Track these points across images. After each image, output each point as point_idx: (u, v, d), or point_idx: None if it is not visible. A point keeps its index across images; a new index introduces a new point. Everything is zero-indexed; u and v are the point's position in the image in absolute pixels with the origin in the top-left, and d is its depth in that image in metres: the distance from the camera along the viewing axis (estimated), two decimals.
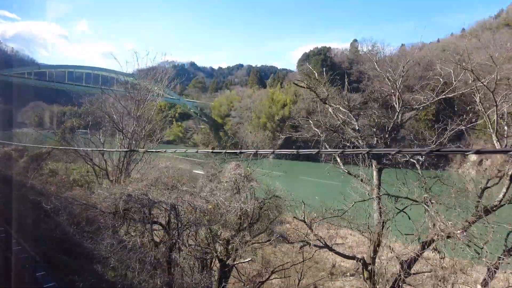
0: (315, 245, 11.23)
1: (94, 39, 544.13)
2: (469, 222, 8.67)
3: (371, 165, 12.53)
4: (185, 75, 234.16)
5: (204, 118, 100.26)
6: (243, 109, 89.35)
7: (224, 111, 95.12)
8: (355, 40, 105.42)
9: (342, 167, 12.96)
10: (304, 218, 11.44)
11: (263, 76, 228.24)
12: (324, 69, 78.65)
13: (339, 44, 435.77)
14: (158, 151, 15.17)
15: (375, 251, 10.51)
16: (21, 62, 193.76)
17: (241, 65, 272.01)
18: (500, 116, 9.90)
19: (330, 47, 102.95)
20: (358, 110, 65.30)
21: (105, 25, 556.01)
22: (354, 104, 60.65)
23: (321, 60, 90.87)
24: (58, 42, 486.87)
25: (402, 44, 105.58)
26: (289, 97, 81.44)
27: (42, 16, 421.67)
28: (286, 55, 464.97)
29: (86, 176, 30.51)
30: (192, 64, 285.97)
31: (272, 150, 3.65)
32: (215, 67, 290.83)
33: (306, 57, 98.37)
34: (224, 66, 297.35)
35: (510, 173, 8.78)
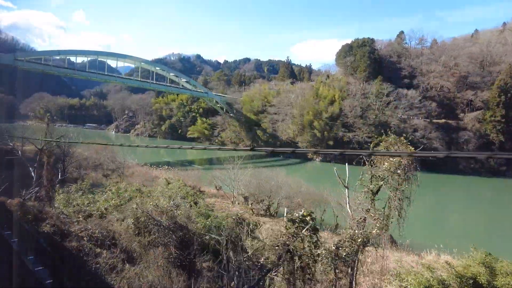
0: None
1: (92, 30, 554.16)
2: None
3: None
4: (191, 68, 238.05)
5: (232, 114, 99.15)
6: (283, 104, 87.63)
7: (257, 107, 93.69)
8: (402, 32, 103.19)
9: None
10: None
11: (271, 71, 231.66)
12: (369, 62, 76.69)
13: (339, 39, 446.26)
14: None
15: None
16: (22, 51, 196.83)
17: (248, 59, 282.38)
18: None
19: (373, 39, 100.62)
20: (416, 108, 63.27)
21: (103, 16, 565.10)
22: (413, 102, 59.09)
23: (368, 53, 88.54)
24: (55, 33, 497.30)
25: (433, 39, 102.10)
26: (337, 92, 79.31)
27: (38, 5, 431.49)
28: (286, 51, 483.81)
29: None
30: (198, 57, 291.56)
31: None
32: (214, 60, 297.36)
33: (349, 49, 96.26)
34: (223, 60, 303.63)
35: None
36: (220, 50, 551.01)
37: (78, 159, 35.90)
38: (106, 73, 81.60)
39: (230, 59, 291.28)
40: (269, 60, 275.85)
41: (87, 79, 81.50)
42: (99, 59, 77.91)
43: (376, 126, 75.06)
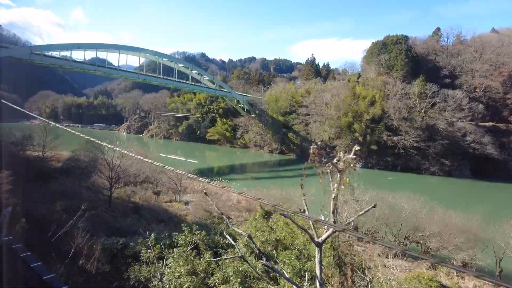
0: None
1: (91, 29, 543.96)
2: None
3: None
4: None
5: (254, 115, 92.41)
6: (316, 104, 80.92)
7: (284, 107, 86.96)
8: (438, 29, 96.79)
9: None
10: None
11: (277, 69, 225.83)
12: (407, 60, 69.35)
13: (338, 39, 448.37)
14: None
15: None
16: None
17: (254, 58, 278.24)
18: None
19: (407, 36, 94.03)
20: (462, 111, 54.39)
21: (101, 14, 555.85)
22: (460, 104, 49.79)
23: (405, 51, 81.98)
24: (54, 31, 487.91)
25: (456, 37, 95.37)
26: (378, 92, 72.57)
27: (36, 3, 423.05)
28: (286, 50, 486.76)
29: None
30: (203, 55, 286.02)
31: None
32: (219, 59, 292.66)
33: (382, 46, 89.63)
34: (225, 58, 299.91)
35: None
36: (219, 50, 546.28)
37: (124, 176, 28.95)
38: (126, 70, 75.00)
39: (232, 58, 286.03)
40: (275, 59, 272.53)
41: (107, 75, 74.90)
42: (120, 53, 70.53)
43: (423, 129, 68.51)
